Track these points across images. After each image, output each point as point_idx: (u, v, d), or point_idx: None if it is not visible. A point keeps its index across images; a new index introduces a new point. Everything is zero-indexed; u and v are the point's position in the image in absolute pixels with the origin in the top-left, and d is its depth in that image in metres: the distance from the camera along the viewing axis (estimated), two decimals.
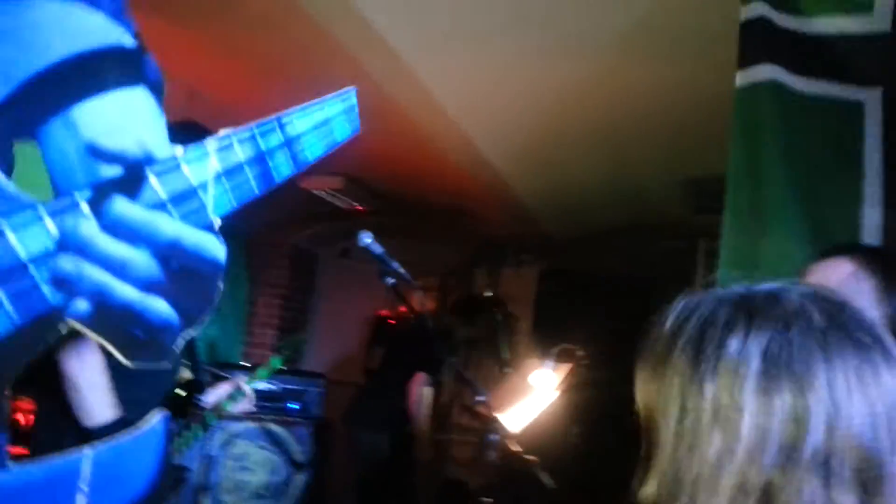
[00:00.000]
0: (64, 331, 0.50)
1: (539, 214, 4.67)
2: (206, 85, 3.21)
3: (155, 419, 0.56)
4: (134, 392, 1.68)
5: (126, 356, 0.54)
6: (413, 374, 3.72)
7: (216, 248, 0.54)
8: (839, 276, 1.10)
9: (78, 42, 0.54)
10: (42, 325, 0.48)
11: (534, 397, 3.05)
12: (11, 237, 0.46)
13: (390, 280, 2.34)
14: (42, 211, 0.47)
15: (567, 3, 2.29)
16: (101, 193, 0.50)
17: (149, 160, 0.52)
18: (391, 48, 2.62)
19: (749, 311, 0.60)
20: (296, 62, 2.94)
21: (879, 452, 0.54)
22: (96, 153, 0.50)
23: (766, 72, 1.73)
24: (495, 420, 2.54)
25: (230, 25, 2.66)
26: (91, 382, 1.72)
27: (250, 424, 3.67)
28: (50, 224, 0.47)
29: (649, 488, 0.60)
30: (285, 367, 2.91)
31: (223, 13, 2.57)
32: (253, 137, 0.59)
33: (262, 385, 2.61)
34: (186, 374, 2.20)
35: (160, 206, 0.52)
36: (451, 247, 5.82)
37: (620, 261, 5.31)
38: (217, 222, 0.56)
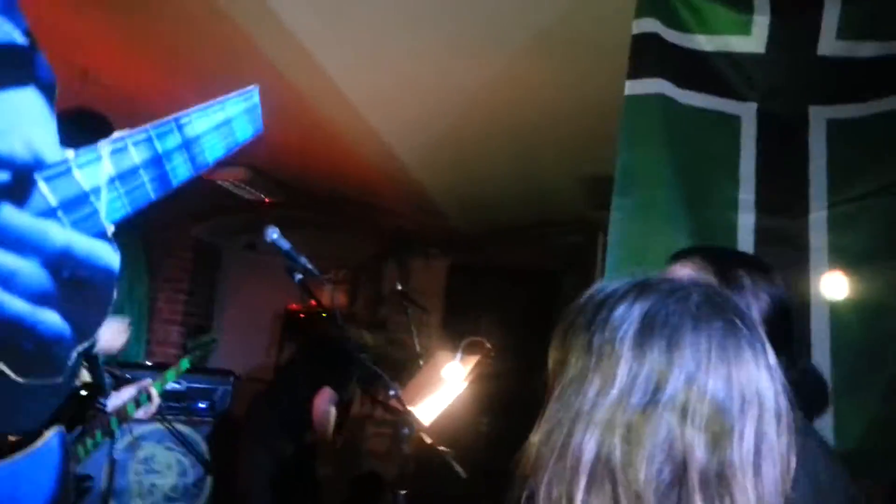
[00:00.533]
0: None
1: (447, 209, 4.72)
2: (107, 72, 3.04)
3: (49, 435, 0.53)
4: (25, 404, 1.57)
5: (17, 372, 0.52)
6: (320, 380, 3.61)
7: (110, 256, 0.52)
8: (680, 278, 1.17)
9: None
10: None
11: (445, 389, 3.09)
12: None
13: (298, 275, 2.30)
14: None
15: (477, 3, 2.33)
16: None
17: (38, 164, 0.50)
18: (299, 41, 2.58)
19: (640, 287, 0.70)
20: (203, 54, 2.85)
21: (729, 412, 0.63)
22: None
23: (654, 85, 1.84)
24: (408, 413, 2.56)
25: (137, 13, 2.53)
26: None
27: (157, 426, 3.52)
28: None
29: (536, 435, 0.67)
30: (193, 368, 2.82)
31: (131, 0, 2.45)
32: (149, 139, 0.57)
33: (168, 384, 2.50)
34: (86, 376, 2.08)
35: (50, 212, 0.50)
36: (361, 240, 5.79)
37: (526, 255, 5.45)
38: (110, 229, 0.54)
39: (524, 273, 5.41)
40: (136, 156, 0.54)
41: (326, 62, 2.75)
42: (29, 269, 0.47)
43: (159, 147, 0.56)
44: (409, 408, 2.62)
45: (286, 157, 4.18)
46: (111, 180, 0.52)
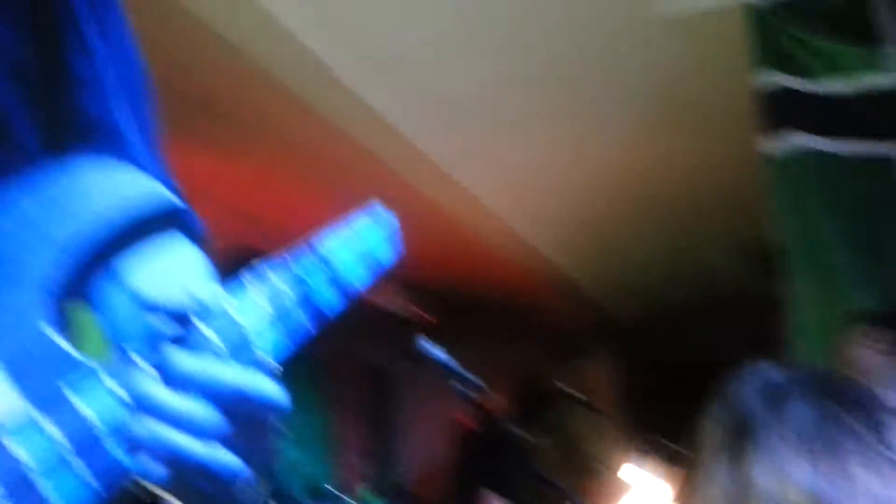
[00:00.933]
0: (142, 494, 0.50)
1: (605, 301, 4.59)
2: (257, 208, 3.37)
3: None
4: None
5: None
6: (487, 485, 3.48)
7: (277, 393, 0.54)
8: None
9: (122, 204, 0.57)
10: (123, 494, 0.48)
11: (631, 495, 2.88)
12: (78, 403, 0.47)
13: (457, 386, 2.30)
14: (104, 374, 0.48)
15: (584, 90, 2.36)
16: (158, 348, 0.51)
17: (202, 311, 0.53)
18: (424, 154, 2.72)
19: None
20: (336, 180, 3.08)
21: None
22: (149, 308, 0.52)
23: (796, 139, 1.72)
24: None
25: (274, 152, 2.81)
26: None
27: None
28: (111, 383, 0.48)
29: None
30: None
31: (264, 141, 2.74)
32: (298, 278, 0.59)
33: None
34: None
35: (216, 354, 0.53)
36: (524, 345, 5.73)
37: (700, 342, 5.10)
38: (276, 367, 0.56)
39: (700, 364, 5.02)
40: (290, 294, 0.57)
41: (452, 169, 2.88)
42: (204, 412, 0.50)
43: (310, 282, 0.58)
44: None
45: (436, 270, 4.33)
46: (272, 321, 0.55)
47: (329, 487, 4.95)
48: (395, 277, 4.54)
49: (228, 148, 2.74)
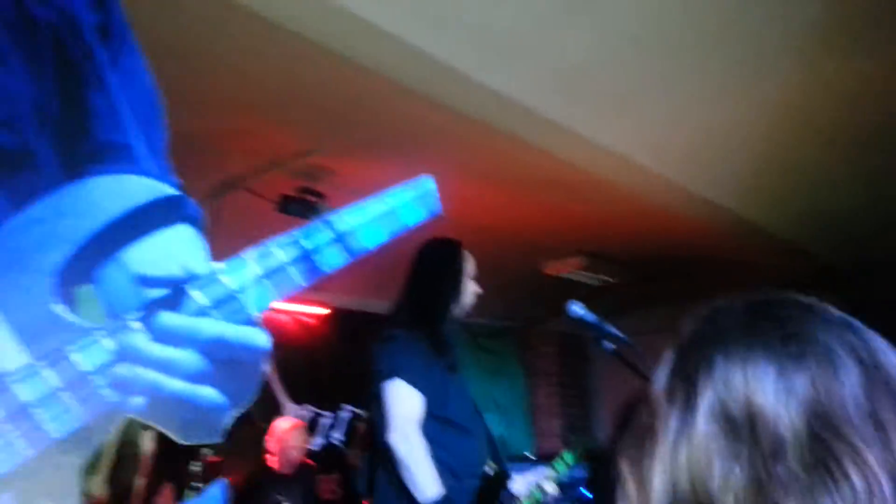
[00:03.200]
0: (123, 422, 0.63)
1: (809, 245, 4.13)
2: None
3: (215, 489, 0.66)
4: None
5: (181, 437, 0.66)
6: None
7: (258, 338, 0.64)
8: None
9: (129, 202, 0.70)
10: (106, 420, 0.62)
11: None
12: (77, 357, 0.60)
13: (609, 345, 2.26)
14: (100, 333, 0.62)
15: (734, 22, 2.16)
16: (149, 312, 0.63)
17: (191, 278, 0.65)
18: (569, 127, 2.67)
19: None
20: (511, 173, 3.14)
21: None
22: (144, 282, 0.65)
23: None
24: None
25: (425, 151, 2.94)
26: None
27: None
28: (107, 342, 0.61)
29: None
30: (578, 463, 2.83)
31: (403, 143, 2.87)
32: (296, 241, 0.68)
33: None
34: (492, 465, 2.37)
35: (202, 311, 0.64)
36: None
37: None
38: (258, 316, 0.66)
39: None
40: (284, 256, 0.66)
41: (609, 142, 2.79)
42: (186, 357, 0.62)
43: (307, 244, 0.67)
44: None
45: (616, 237, 4.23)
46: (258, 278, 0.65)
47: (531, 455, 5.10)
48: (577, 245, 4.52)
49: (370, 152, 2.93)
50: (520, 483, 2.39)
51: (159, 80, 0.85)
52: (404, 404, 2.14)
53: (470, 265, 2.43)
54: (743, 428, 0.51)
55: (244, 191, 3.10)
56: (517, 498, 2.33)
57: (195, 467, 3.08)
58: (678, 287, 5.27)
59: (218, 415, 0.63)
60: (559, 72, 2.35)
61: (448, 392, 2.23)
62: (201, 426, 0.64)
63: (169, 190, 0.76)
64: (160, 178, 0.74)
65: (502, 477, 2.34)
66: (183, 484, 3.14)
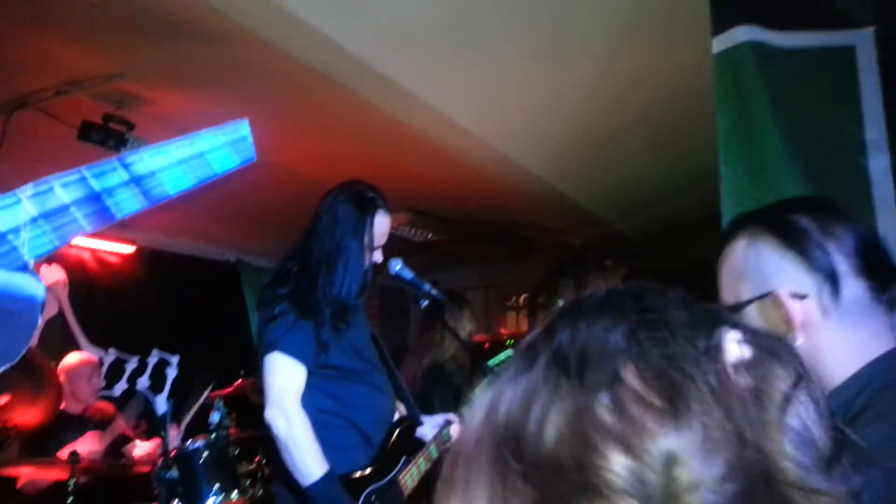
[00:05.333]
0: None
1: (606, 216, 4.56)
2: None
3: None
4: None
5: None
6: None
7: (31, 286, 0.59)
8: (735, 256, 1.01)
9: None
10: None
11: None
12: None
13: (423, 302, 2.37)
14: None
15: (552, 6, 2.28)
16: None
17: None
18: (402, 86, 2.68)
19: None
20: (338, 124, 3.08)
21: None
22: None
23: (741, 34, 1.66)
24: None
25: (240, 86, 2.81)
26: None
27: None
28: None
29: None
30: None
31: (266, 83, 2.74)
32: (83, 179, 0.63)
33: None
34: (401, 409, 2.29)
35: None
36: (534, 263, 5.78)
37: (709, 251, 5.04)
38: (31, 263, 0.61)
39: (704, 269, 4.96)
40: (66, 195, 0.61)
41: (434, 100, 2.84)
42: None
43: (96, 185, 0.62)
44: None
45: (440, 195, 4.35)
46: (34, 219, 0.60)
47: None
48: (406, 202, 4.59)
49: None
50: (427, 427, 2.31)
51: None
52: (282, 377, 1.96)
53: (383, 227, 2.16)
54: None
55: (39, 111, 2.78)
56: (427, 444, 2.24)
57: None
58: (491, 248, 5.60)
59: None
60: (389, 23, 2.34)
61: (342, 341, 2.05)
62: None
63: None
64: None
65: (411, 424, 2.25)
66: None
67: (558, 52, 2.59)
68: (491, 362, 2.57)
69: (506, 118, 3.09)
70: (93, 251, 4.33)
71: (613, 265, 5.48)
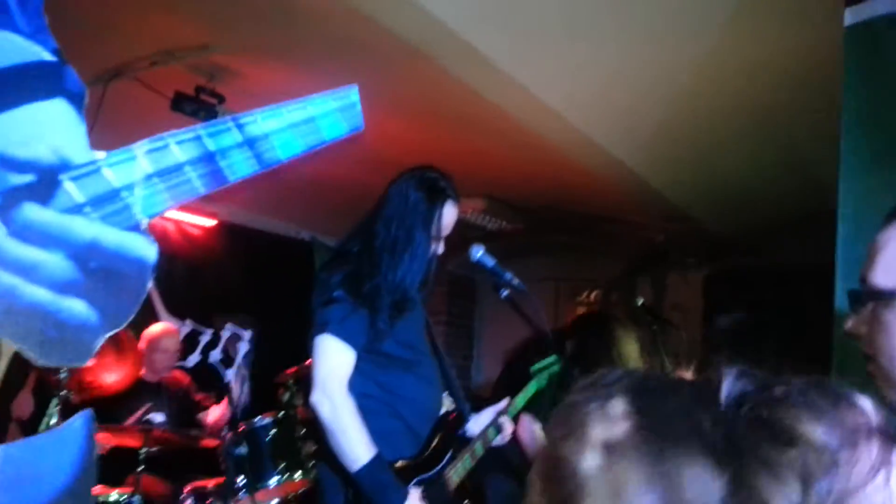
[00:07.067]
0: None
1: (698, 213, 4.34)
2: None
3: (78, 421, 0.57)
4: None
5: (39, 356, 0.55)
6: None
7: (143, 247, 0.54)
8: None
9: None
10: None
11: None
12: None
13: (504, 292, 2.27)
14: None
15: None
16: (9, 201, 0.51)
17: (64, 166, 0.53)
18: (494, 64, 2.59)
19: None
20: (424, 102, 3.00)
21: None
22: (7, 163, 0.52)
23: (879, 5, 1.49)
24: None
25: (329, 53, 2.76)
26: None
27: None
28: None
29: None
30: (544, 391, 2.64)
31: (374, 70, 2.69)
32: (198, 138, 0.57)
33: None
34: (448, 404, 2.21)
35: (76, 209, 0.53)
36: (611, 258, 5.59)
37: (801, 254, 4.76)
38: (145, 222, 0.55)
39: (796, 272, 4.66)
40: (181, 154, 0.55)
41: (525, 79, 2.73)
42: (52, 261, 0.50)
43: (211, 145, 0.55)
44: None
45: (518, 181, 4.24)
46: (148, 177, 0.54)
47: None
48: (483, 188, 4.50)
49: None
50: (474, 424, 2.22)
51: None
52: (330, 360, 1.91)
53: (450, 218, 2.08)
54: None
55: (134, 81, 2.81)
56: (473, 441, 2.15)
57: (62, 373, 2.84)
58: (566, 240, 5.44)
59: (86, 334, 0.53)
60: (490, 0, 2.25)
61: (395, 329, 2.00)
62: (65, 346, 0.54)
63: (45, 54, 0.62)
64: (32, 37, 0.61)
65: (459, 418, 2.18)
66: (46, 391, 2.90)
67: (661, 32, 2.43)
68: (534, 367, 2.47)
69: (596, 100, 2.94)
70: (176, 222, 4.42)
71: (696, 264, 5.26)
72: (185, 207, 4.11)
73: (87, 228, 0.52)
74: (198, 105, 2.70)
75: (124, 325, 0.57)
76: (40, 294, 0.50)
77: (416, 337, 2.12)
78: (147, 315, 3.83)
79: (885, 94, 1.49)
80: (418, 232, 1.98)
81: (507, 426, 2.20)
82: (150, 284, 0.56)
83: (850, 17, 1.56)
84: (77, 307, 0.52)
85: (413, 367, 2.06)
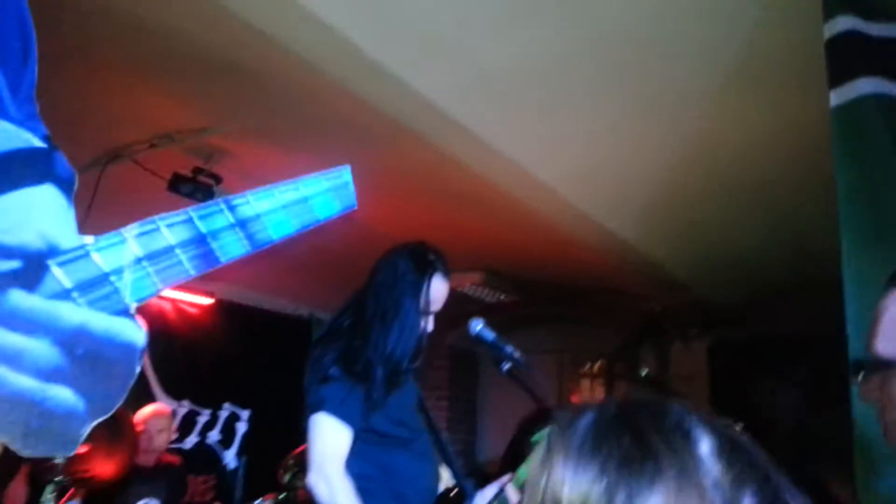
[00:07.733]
0: None
1: (693, 282, 4.34)
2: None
3: None
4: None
5: (23, 446, 0.53)
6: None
7: (131, 332, 0.53)
8: None
9: None
10: None
11: None
12: None
13: (505, 366, 2.23)
14: None
15: (648, 60, 2.20)
16: None
17: (52, 251, 0.52)
18: (487, 144, 2.64)
19: None
20: (417, 179, 3.05)
21: None
22: None
23: (863, 86, 1.54)
24: None
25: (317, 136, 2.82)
26: None
27: None
28: None
29: None
30: None
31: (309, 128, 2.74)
32: (189, 220, 0.57)
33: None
34: (448, 479, 2.17)
35: (63, 294, 0.52)
36: (612, 329, 5.56)
37: (802, 322, 4.73)
38: (134, 307, 0.55)
39: (800, 342, 4.63)
40: (172, 236, 0.54)
41: (516, 155, 2.78)
42: (38, 348, 0.49)
43: (202, 227, 0.55)
44: None
45: (515, 254, 4.26)
46: (137, 260, 0.53)
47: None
48: (481, 262, 4.51)
49: (281, 137, 2.78)
50: (480, 500, 2.10)
51: (42, 22, 0.71)
52: (326, 440, 1.87)
53: (439, 292, 2.07)
54: None
55: (132, 163, 2.86)
56: None
57: (57, 458, 2.75)
58: (565, 311, 5.42)
59: (72, 422, 0.51)
60: (478, 77, 2.31)
61: (387, 406, 1.97)
62: (50, 436, 0.52)
63: (34, 141, 0.63)
64: (22, 123, 0.61)
65: (459, 496, 2.10)
66: (41, 476, 2.79)
67: (652, 108, 2.50)
68: (534, 438, 2.41)
69: (590, 175, 2.99)
70: (173, 301, 4.40)
71: (697, 335, 5.22)
72: (182, 286, 4.11)
73: (75, 314, 0.51)
74: (194, 186, 2.74)
75: (112, 412, 0.55)
76: (25, 382, 0.49)
77: (409, 414, 2.08)
78: (143, 397, 3.77)
79: (877, 172, 1.52)
80: (407, 300, 1.98)
81: (513, 496, 2.14)
82: (146, 365, 0.55)
83: (834, 98, 1.60)
84: (63, 395, 0.51)
85: (408, 445, 2.03)
